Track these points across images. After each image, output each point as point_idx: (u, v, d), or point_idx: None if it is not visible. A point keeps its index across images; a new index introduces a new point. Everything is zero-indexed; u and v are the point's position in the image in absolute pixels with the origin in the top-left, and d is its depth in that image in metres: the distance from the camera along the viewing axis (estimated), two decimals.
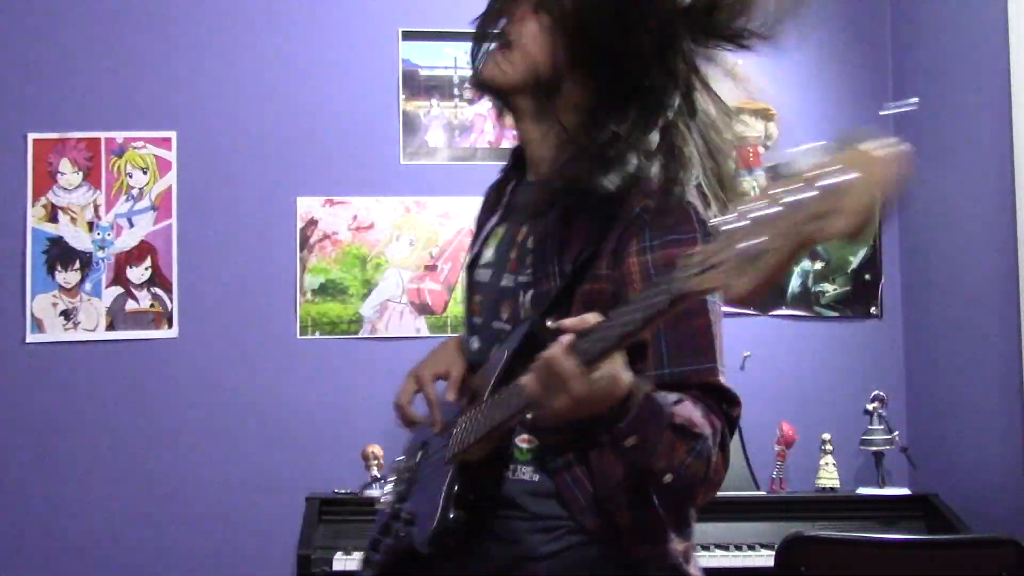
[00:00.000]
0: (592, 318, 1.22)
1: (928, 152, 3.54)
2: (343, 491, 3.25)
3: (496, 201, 1.66)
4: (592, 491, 1.42)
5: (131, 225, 3.46)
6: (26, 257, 3.41)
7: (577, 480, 1.43)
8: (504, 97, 1.56)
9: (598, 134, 1.45)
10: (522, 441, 1.46)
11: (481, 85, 1.57)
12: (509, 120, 1.59)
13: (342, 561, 2.93)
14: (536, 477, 1.46)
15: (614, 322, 1.18)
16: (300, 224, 3.50)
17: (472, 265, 1.64)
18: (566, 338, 1.21)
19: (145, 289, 3.44)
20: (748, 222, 0.96)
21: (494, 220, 1.63)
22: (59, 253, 3.42)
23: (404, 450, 1.72)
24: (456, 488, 1.44)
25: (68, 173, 3.45)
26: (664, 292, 1.09)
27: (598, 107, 1.47)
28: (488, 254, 1.60)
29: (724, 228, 0.99)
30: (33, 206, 3.43)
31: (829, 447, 3.41)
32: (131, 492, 3.37)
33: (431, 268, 3.52)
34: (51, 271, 3.41)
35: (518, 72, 1.51)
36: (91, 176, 3.45)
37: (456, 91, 3.61)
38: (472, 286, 1.62)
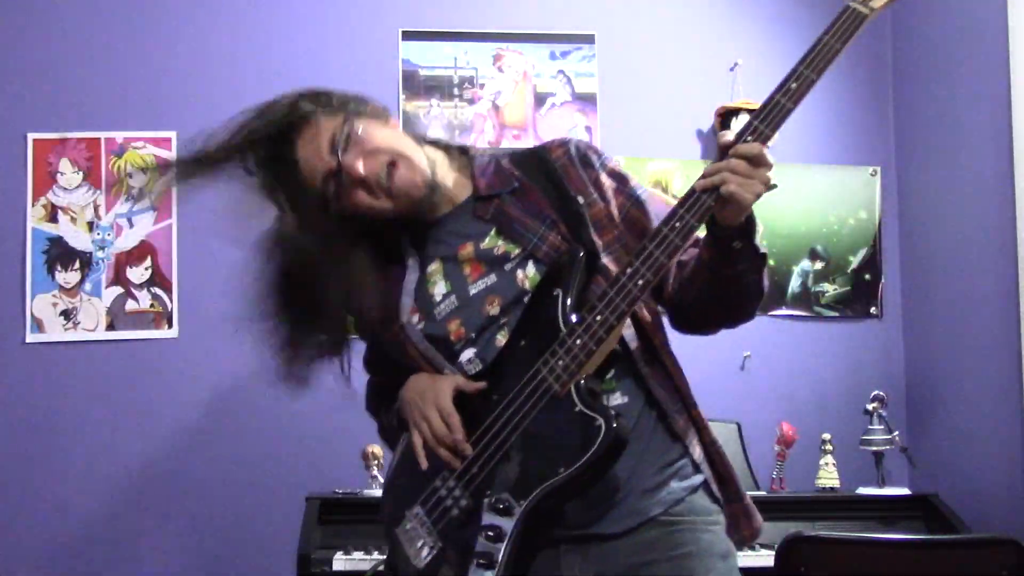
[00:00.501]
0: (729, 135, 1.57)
1: (928, 152, 3.55)
2: (343, 491, 3.25)
3: (392, 266, 1.76)
4: (675, 388, 1.67)
5: (131, 225, 3.46)
6: (26, 257, 3.41)
7: (661, 382, 1.66)
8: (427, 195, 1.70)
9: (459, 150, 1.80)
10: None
11: (426, 194, 1.68)
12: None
13: (342, 561, 2.93)
14: (626, 399, 1.64)
15: (773, 100, 1.51)
16: None
17: (428, 311, 1.71)
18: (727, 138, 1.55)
19: (145, 289, 3.44)
20: None
21: (416, 270, 1.74)
22: (59, 253, 3.42)
23: (398, 507, 1.70)
24: (595, 401, 1.54)
25: (68, 173, 3.45)
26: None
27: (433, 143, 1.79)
28: (439, 289, 1.72)
29: None
30: (33, 206, 3.43)
31: (829, 447, 3.41)
32: (131, 492, 3.37)
33: None
34: (51, 271, 3.41)
35: (422, 162, 1.70)
36: (91, 176, 3.45)
37: (456, 91, 3.61)
38: (443, 322, 1.70)
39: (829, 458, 3.39)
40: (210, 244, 3.45)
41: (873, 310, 3.66)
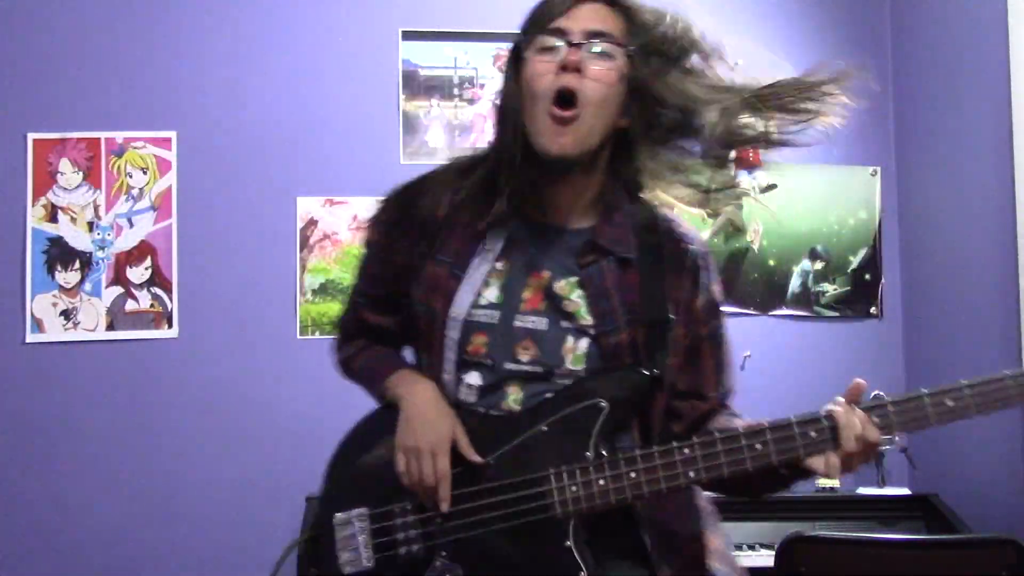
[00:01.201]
0: (863, 384, 1.51)
1: (928, 152, 3.55)
2: None
3: (473, 237, 1.60)
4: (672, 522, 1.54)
5: (131, 225, 3.46)
6: (26, 257, 3.41)
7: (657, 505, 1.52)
8: (568, 164, 1.53)
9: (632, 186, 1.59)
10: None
11: (558, 160, 1.51)
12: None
13: None
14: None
15: (920, 402, 1.46)
16: (300, 224, 3.50)
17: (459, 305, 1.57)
18: (860, 416, 1.51)
19: (145, 289, 3.44)
20: None
21: (490, 259, 1.58)
22: (59, 253, 3.42)
23: (346, 491, 1.66)
24: (584, 545, 1.43)
25: (68, 173, 3.45)
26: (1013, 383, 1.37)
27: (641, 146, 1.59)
28: (489, 294, 1.57)
29: None
30: (33, 206, 3.43)
31: None
32: (131, 492, 3.37)
33: None
34: (51, 271, 3.41)
35: (593, 139, 1.53)
36: (91, 176, 3.45)
37: (456, 91, 3.61)
38: (468, 325, 1.56)
39: None
40: (210, 244, 3.46)
41: (873, 310, 3.66)
